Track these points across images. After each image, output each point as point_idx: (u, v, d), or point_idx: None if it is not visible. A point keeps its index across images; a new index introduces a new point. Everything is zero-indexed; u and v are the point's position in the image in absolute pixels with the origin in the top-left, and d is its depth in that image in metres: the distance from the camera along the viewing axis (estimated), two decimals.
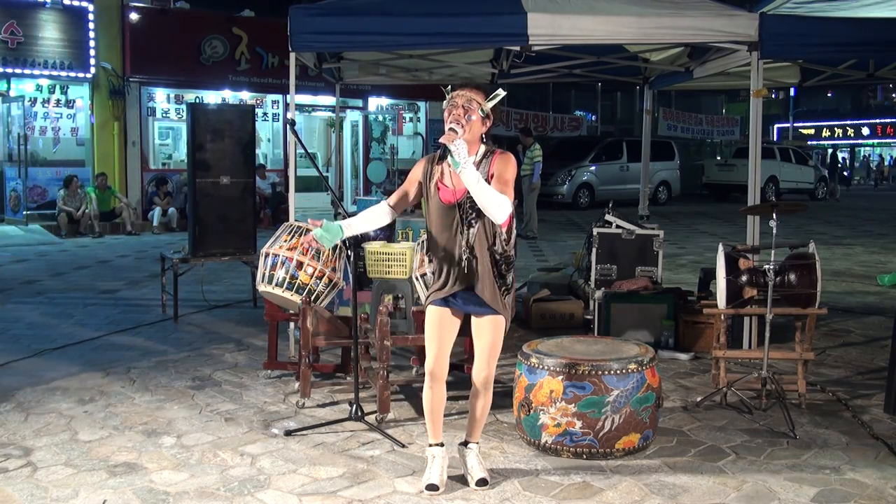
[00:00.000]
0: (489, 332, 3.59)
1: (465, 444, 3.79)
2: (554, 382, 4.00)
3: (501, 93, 3.54)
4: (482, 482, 3.66)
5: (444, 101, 3.55)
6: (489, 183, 3.43)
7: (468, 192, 3.44)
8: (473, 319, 3.63)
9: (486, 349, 3.61)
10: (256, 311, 7.38)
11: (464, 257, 3.50)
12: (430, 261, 3.69)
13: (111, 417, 4.64)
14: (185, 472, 3.87)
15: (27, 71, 14.96)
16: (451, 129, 3.42)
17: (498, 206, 3.37)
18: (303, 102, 18.18)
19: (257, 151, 15.29)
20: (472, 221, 3.50)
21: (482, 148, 3.57)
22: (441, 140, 3.39)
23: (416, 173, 3.67)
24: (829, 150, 34.06)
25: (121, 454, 4.08)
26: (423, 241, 4.95)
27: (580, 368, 3.98)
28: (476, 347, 3.65)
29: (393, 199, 3.73)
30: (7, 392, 5.09)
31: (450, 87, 3.57)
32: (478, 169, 3.45)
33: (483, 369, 3.63)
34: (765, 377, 4.71)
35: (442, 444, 3.74)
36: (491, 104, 3.52)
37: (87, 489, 3.66)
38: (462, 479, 3.72)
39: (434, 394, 3.66)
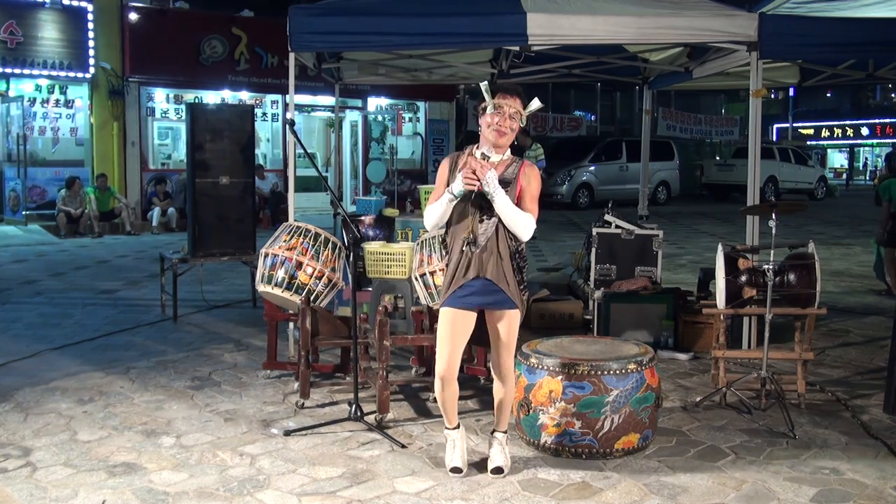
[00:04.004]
0: (504, 325, 3.66)
1: (492, 432, 3.89)
2: (553, 382, 4.00)
3: (538, 103, 3.63)
4: (497, 470, 3.77)
5: (485, 103, 3.57)
6: (518, 196, 3.57)
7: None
8: (488, 315, 3.69)
9: (501, 343, 3.69)
10: (256, 311, 7.38)
11: (479, 240, 3.58)
12: (447, 254, 3.74)
13: (110, 417, 4.64)
14: (185, 472, 3.87)
15: (26, 71, 14.96)
16: (483, 156, 3.56)
17: (524, 227, 3.55)
18: (302, 102, 18.16)
19: (256, 151, 15.28)
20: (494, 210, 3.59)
21: (508, 151, 3.69)
22: (476, 170, 3.48)
23: (444, 174, 3.71)
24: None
25: (120, 454, 4.07)
26: (422, 242, 4.95)
27: (580, 368, 3.98)
28: (492, 341, 3.73)
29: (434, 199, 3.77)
30: (6, 392, 5.08)
31: (487, 84, 3.59)
32: (505, 172, 3.60)
33: (500, 363, 3.72)
34: (764, 377, 4.71)
35: (458, 426, 3.84)
36: (529, 111, 3.62)
37: (86, 489, 3.65)
38: (463, 479, 3.74)
39: (446, 392, 3.76)
